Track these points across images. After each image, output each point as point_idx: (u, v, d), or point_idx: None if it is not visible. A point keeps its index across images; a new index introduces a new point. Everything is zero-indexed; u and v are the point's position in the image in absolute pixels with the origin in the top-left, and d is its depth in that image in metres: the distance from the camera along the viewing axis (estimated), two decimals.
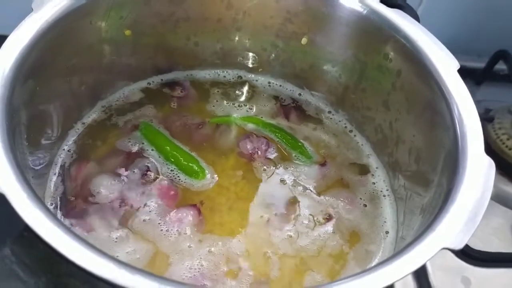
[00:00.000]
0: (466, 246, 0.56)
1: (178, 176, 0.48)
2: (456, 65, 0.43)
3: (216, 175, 0.49)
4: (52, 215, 0.30)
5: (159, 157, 0.49)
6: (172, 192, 0.47)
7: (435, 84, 0.43)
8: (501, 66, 0.74)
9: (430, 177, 0.43)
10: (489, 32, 0.82)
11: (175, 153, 0.49)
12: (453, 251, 0.33)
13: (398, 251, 0.33)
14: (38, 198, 0.31)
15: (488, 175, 0.36)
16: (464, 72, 0.77)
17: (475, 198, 0.35)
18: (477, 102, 0.75)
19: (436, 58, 0.44)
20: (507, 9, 0.79)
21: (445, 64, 0.43)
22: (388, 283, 0.30)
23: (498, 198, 0.65)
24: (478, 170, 0.37)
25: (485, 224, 0.63)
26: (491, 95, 0.76)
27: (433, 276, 0.56)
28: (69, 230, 0.30)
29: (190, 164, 0.49)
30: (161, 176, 0.48)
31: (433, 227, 0.34)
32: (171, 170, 0.49)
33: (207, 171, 0.49)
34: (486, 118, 0.69)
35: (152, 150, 0.50)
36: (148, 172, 0.48)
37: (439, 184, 0.40)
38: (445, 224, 0.34)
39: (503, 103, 0.73)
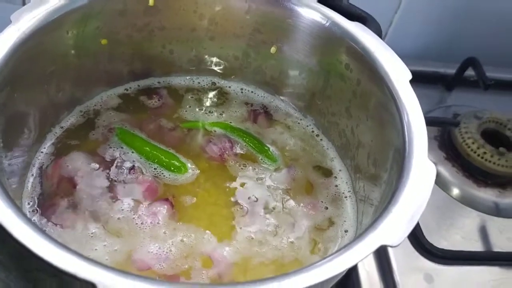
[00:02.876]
0: (429, 244, 0.60)
1: (162, 173, 0.51)
2: (408, 75, 0.46)
3: (198, 169, 0.52)
4: (22, 214, 0.33)
5: (141, 158, 0.52)
6: (151, 186, 0.50)
7: (388, 93, 0.46)
8: (471, 72, 0.77)
9: (382, 179, 0.46)
10: (460, 40, 0.85)
11: (155, 152, 0.52)
12: (391, 246, 0.35)
13: (341, 248, 0.35)
14: (10, 198, 0.34)
15: (429, 180, 0.39)
16: (436, 78, 0.82)
17: (415, 201, 0.38)
18: (447, 107, 0.80)
19: (391, 68, 0.47)
20: (477, 19, 0.82)
21: (399, 74, 0.46)
22: (327, 277, 0.32)
23: (464, 199, 0.68)
24: (420, 174, 0.39)
25: (450, 224, 0.66)
26: (461, 100, 0.80)
27: (398, 273, 0.59)
28: (37, 227, 0.33)
29: (172, 161, 0.52)
30: (143, 173, 0.51)
31: (375, 226, 0.37)
32: (154, 169, 0.52)
33: (188, 165, 0.52)
34: (453, 123, 0.72)
35: (133, 152, 0.53)
36: (118, 162, 0.51)
37: (387, 185, 0.43)
38: (386, 223, 0.37)
39: (471, 108, 0.76)
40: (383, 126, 0.47)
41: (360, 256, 0.34)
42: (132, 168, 0.51)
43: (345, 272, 0.36)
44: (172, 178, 0.51)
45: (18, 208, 0.34)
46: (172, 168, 0.52)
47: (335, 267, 0.34)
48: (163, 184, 0.51)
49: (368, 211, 0.48)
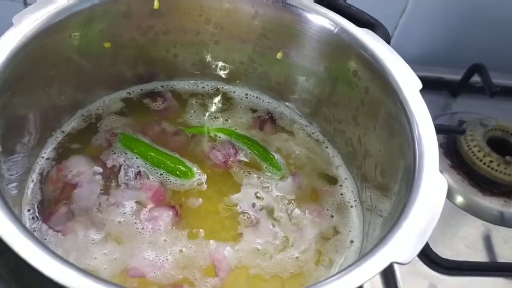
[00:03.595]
0: (434, 254, 0.59)
1: (169, 179, 0.51)
2: (419, 84, 0.45)
3: (204, 174, 0.51)
4: (22, 225, 0.32)
5: (146, 163, 0.51)
6: (158, 191, 0.49)
7: (398, 103, 0.45)
8: (477, 78, 0.76)
9: (392, 190, 0.45)
10: (466, 46, 0.84)
11: (160, 157, 0.52)
12: (401, 264, 0.35)
13: (351, 264, 0.34)
14: (9, 207, 0.33)
15: (440, 195, 0.38)
16: (441, 84, 0.81)
17: (426, 216, 0.37)
18: (452, 114, 0.79)
19: (401, 77, 0.46)
20: (484, 24, 0.81)
21: (409, 84, 0.45)
22: None
23: (469, 208, 0.67)
24: (431, 189, 0.39)
25: (455, 233, 0.65)
26: (466, 107, 0.79)
27: (402, 282, 0.58)
28: (37, 240, 0.32)
29: (178, 166, 0.51)
30: (150, 179, 0.50)
31: (385, 241, 0.36)
32: (160, 174, 0.51)
33: (194, 169, 0.52)
34: (459, 130, 0.71)
35: (137, 158, 0.52)
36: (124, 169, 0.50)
37: (397, 197, 0.42)
38: (396, 239, 0.36)
39: (477, 115, 0.75)
40: (392, 136, 0.46)
41: (369, 274, 0.34)
42: (138, 173, 0.50)
43: None
44: (179, 184, 0.50)
45: (17, 219, 0.33)
46: (178, 173, 0.51)
47: (342, 286, 0.33)
48: (170, 190, 0.50)
49: (375, 222, 0.47)
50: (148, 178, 0.50)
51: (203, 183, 0.51)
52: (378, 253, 0.35)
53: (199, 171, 0.52)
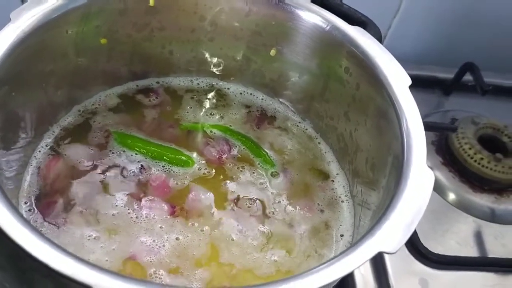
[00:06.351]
0: (425, 249, 0.60)
1: (172, 169, 0.52)
2: (408, 81, 0.46)
3: (204, 160, 0.53)
4: (19, 214, 0.33)
5: (146, 158, 0.52)
6: (164, 182, 0.50)
7: (388, 98, 0.46)
8: (469, 77, 0.77)
9: (381, 184, 0.46)
10: (459, 45, 0.85)
11: (160, 150, 0.53)
12: (388, 253, 0.35)
13: (338, 254, 0.35)
14: (7, 197, 0.34)
15: (427, 187, 0.39)
16: (434, 83, 0.82)
17: (413, 208, 0.38)
18: (444, 112, 0.80)
19: (391, 73, 0.47)
20: (476, 24, 0.82)
21: (398, 80, 0.46)
22: (322, 284, 0.32)
23: (460, 205, 0.68)
24: (419, 181, 0.39)
25: (446, 229, 0.66)
26: (459, 105, 0.80)
27: (393, 277, 0.59)
28: (33, 228, 0.32)
29: (178, 156, 0.52)
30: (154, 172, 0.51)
31: (373, 232, 0.37)
32: (162, 166, 0.52)
33: (194, 156, 0.53)
34: (451, 128, 0.73)
35: (136, 154, 0.52)
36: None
37: (385, 191, 0.43)
38: (384, 229, 0.37)
39: (469, 113, 0.76)
40: (382, 131, 0.47)
41: (357, 263, 0.34)
42: (142, 167, 0.51)
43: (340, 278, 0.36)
44: (182, 173, 0.52)
45: (14, 208, 0.33)
46: (179, 163, 0.52)
47: (332, 273, 0.34)
48: (174, 180, 0.51)
49: (365, 216, 0.48)
50: (151, 170, 0.51)
51: (202, 169, 0.52)
52: (366, 243, 0.36)
53: (198, 157, 0.53)
